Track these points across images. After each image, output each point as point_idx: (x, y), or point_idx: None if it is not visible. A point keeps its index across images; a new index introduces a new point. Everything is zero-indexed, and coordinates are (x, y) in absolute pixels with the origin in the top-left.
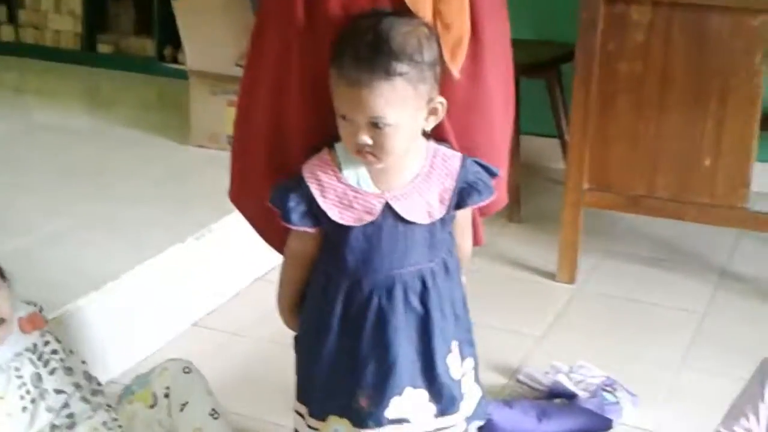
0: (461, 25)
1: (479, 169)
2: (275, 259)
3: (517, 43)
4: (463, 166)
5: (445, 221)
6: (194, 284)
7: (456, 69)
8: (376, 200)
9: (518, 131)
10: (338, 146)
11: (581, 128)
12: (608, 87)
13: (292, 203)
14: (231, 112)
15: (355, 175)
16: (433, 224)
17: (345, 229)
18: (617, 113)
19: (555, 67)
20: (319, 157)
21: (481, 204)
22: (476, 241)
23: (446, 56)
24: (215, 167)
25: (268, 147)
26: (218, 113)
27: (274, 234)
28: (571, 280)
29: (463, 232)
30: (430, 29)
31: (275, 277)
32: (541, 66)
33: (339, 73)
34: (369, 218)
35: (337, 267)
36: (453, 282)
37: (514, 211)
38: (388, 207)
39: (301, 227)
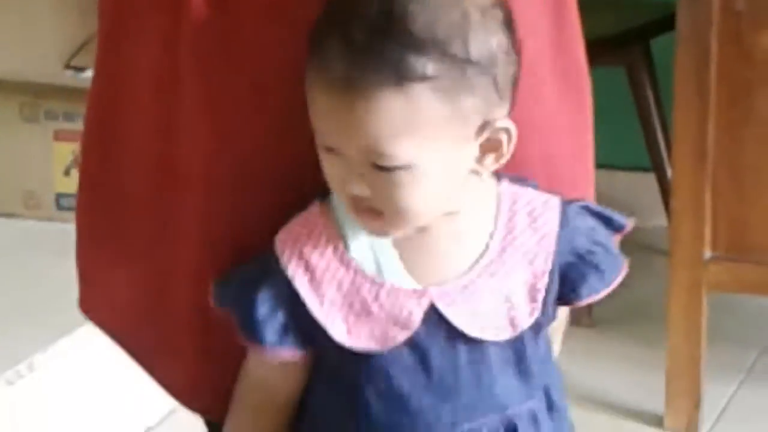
0: None
1: (593, 221)
2: (159, 412)
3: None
4: (564, 222)
5: (541, 328)
6: None
7: None
8: (412, 301)
9: None
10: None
11: (695, 152)
12: (740, 76)
13: (262, 309)
14: (62, 151)
15: (372, 253)
16: (519, 338)
17: (360, 358)
18: (759, 121)
19: (640, 45)
20: (305, 218)
21: (605, 292)
22: None
23: None
24: (37, 253)
25: (154, 214)
26: (38, 154)
27: (175, 366)
28: (691, 428)
29: (555, 333)
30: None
31: None
32: (616, 43)
33: (317, 69)
34: (402, 336)
35: (349, 422)
36: (563, 425)
37: (582, 306)
38: (435, 313)
39: (281, 351)
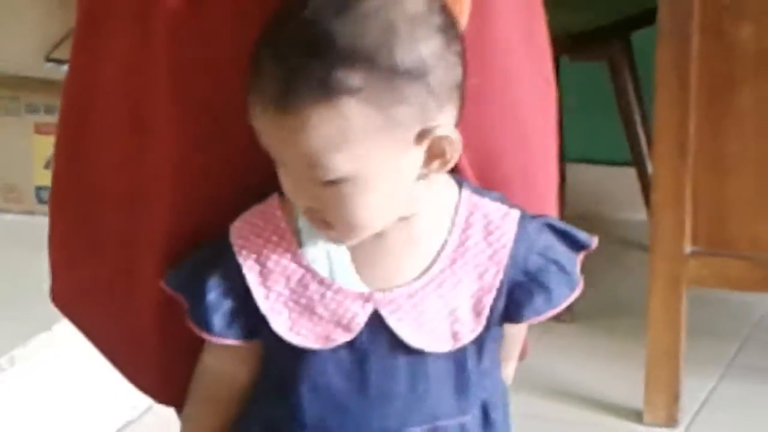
0: None
1: (553, 238)
2: (139, 407)
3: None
4: (520, 237)
5: (484, 343)
6: None
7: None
8: (357, 305)
9: (560, 158)
10: None
11: (676, 146)
12: (721, 70)
13: (211, 295)
14: (43, 145)
15: (325, 252)
16: (461, 351)
17: (299, 353)
18: (740, 115)
19: (621, 39)
20: (262, 210)
21: (552, 313)
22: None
23: None
24: (17, 247)
25: (122, 211)
26: (19, 147)
27: (142, 361)
28: (671, 422)
29: (510, 350)
30: None
31: None
32: (597, 37)
33: (255, 91)
34: (344, 338)
35: (287, 415)
36: None
37: None
38: (379, 319)
39: (227, 339)
